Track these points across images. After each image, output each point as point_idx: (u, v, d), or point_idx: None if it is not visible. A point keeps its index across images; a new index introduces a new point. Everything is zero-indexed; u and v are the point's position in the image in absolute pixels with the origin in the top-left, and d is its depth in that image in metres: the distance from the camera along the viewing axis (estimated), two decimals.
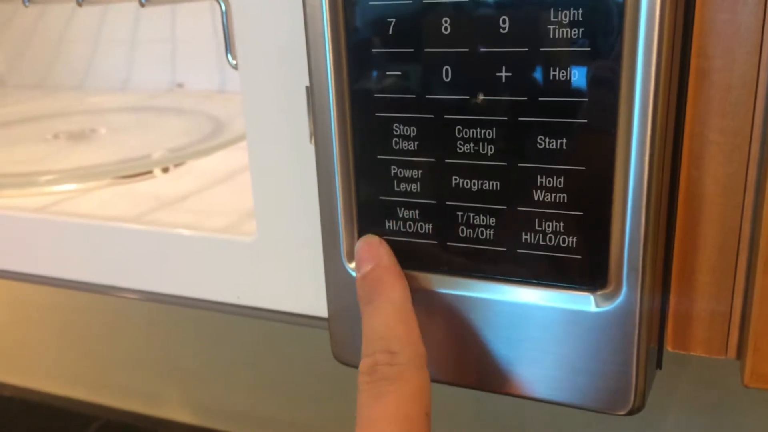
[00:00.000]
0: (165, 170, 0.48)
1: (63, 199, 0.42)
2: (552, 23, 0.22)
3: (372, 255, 0.27)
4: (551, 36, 0.22)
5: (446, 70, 0.24)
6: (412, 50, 0.24)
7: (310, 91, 0.27)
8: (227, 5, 0.35)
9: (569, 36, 0.22)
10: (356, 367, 0.29)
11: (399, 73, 0.24)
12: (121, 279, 0.36)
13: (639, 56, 0.21)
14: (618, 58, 0.22)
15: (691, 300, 0.27)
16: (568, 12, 0.22)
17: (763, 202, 0.25)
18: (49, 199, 0.42)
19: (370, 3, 0.24)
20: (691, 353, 0.28)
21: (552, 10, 0.22)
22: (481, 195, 0.24)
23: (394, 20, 0.24)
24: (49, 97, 0.74)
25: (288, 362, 0.73)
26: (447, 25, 0.23)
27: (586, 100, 0.22)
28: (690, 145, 0.25)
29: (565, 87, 0.22)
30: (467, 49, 0.23)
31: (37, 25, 0.80)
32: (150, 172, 0.47)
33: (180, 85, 0.73)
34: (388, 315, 0.25)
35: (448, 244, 0.25)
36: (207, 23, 0.70)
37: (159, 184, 0.45)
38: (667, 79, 0.22)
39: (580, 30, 0.22)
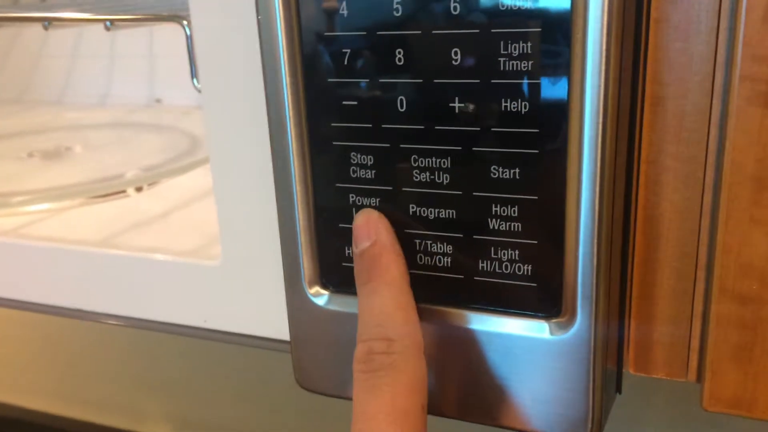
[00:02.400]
0: (138, 189, 0.48)
1: (34, 220, 0.42)
2: (502, 55, 0.22)
3: (371, 231, 0.25)
4: (502, 68, 0.22)
5: (401, 100, 0.24)
6: (368, 80, 0.24)
7: (268, 118, 0.27)
8: (191, 29, 0.36)
9: (519, 68, 0.22)
10: (321, 394, 0.29)
11: (355, 102, 0.24)
12: (88, 302, 0.36)
13: (587, 86, 0.22)
14: (566, 87, 0.22)
15: (650, 324, 0.27)
16: (517, 45, 0.22)
17: (718, 227, 0.25)
18: (21, 219, 0.42)
19: (326, 34, 0.24)
20: (653, 376, 0.28)
21: (502, 42, 0.22)
22: (438, 223, 0.25)
23: (349, 51, 0.24)
24: (26, 112, 0.73)
25: (269, 375, 0.73)
26: (401, 56, 0.23)
27: (537, 130, 0.22)
28: (646, 170, 0.26)
29: (516, 117, 0.22)
30: (421, 80, 0.23)
31: (15, 40, 0.80)
32: (123, 191, 0.47)
33: (158, 101, 0.73)
34: (386, 298, 0.25)
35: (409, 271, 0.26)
36: (185, 39, 0.70)
37: (131, 205, 0.45)
38: (615, 108, 0.22)
39: (530, 62, 0.22)
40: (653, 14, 0.24)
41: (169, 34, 0.70)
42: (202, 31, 0.30)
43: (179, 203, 0.43)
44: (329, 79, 0.25)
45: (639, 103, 0.25)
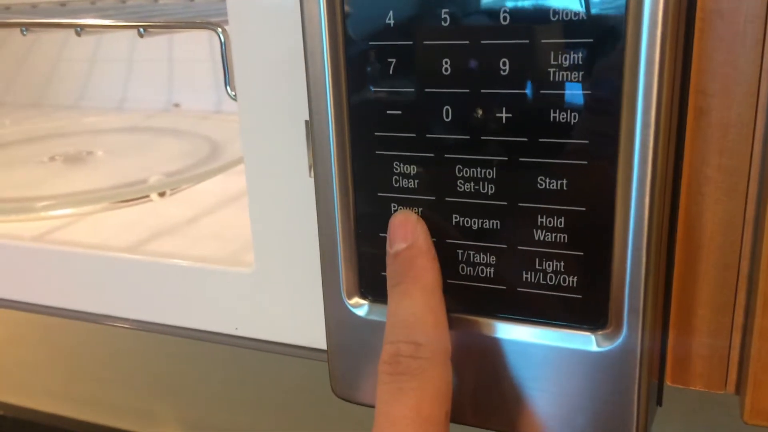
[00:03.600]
0: (162, 194, 0.48)
1: (60, 224, 0.42)
2: (552, 66, 0.22)
3: (408, 233, 0.25)
4: (551, 78, 0.22)
5: (446, 110, 0.24)
6: (413, 90, 0.24)
7: (310, 126, 0.27)
8: (226, 37, 0.36)
9: (569, 78, 0.22)
10: (357, 403, 0.29)
11: (399, 112, 0.24)
12: (118, 309, 0.36)
13: (639, 97, 0.22)
14: (618, 99, 0.22)
15: (690, 335, 0.27)
16: (568, 55, 0.22)
17: (761, 239, 0.25)
18: (46, 224, 0.42)
19: (371, 43, 0.24)
20: (691, 387, 0.28)
21: (552, 52, 0.22)
22: (482, 234, 0.25)
23: (394, 60, 0.24)
24: (45, 116, 0.74)
25: (282, 382, 0.73)
26: (447, 66, 0.23)
27: (586, 141, 0.22)
28: (689, 182, 0.26)
29: (566, 128, 0.22)
30: (468, 90, 0.23)
31: (34, 44, 0.80)
32: (147, 196, 0.47)
33: (176, 105, 0.73)
34: (417, 301, 0.24)
35: (449, 281, 0.25)
36: (203, 44, 0.70)
37: (156, 210, 0.45)
38: (668, 119, 0.22)
39: (580, 73, 0.22)
40: (698, 25, 0.24)
41: (188, 39, 0.70)
42: (240, 38, 0.30)
43: (205, 209, 0.43)
44: (373, 88, 0.25)
45: (685, 113, 0.25)
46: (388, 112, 0.25)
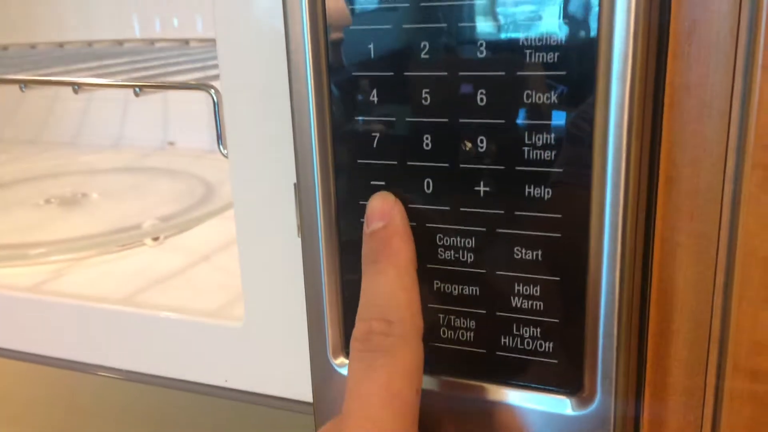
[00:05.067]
0: (155, 239, 0.49)
1: (54, 270, 0.43)
2: (527, 145, 0.23)
3: (385, 212, 0.25)
4: (526, 156, 0.23)
5: (428, 182, 0.25)
6: (396, 163, 0.25)
7: (297, 189, 0.28)
8: (218, 97, 0.37)
9: (542, 158, 0.23)
10: None
11: (383, 183, 0.26)
12: (108, 359, 0.37)
13: (608, 174, 0.23)
14: (588, 175, 0.23)
15: (664, 396, 0.28)
16: (540, 135, 0.23)
17: (731, 303, 0.26)
18: (41, 270, 0.42)
19: (357, 118, 0.25)
20: None
21: (526, 133, 0.23)
22: (462, 299, 0.26)
23: (378, 135, 0.25)
24: (42, 154, 0.75)
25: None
26: (428, 141, 0.24)
27: (560, 215, 0.23)
28: (661, 246, 0.27)
29: (540, 202, 0.23)
30: (447, 165, 0.24)
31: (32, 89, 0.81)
32: (141, 241, 0.48)
33: (171, 144, 0.75)
34: (391, 280, 0.25)
35: (430, 344, 0.26)
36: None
37: (149, 256, 0.46)
38: (636, 195, 0.23)
39: (552, 152, 0.23)
40: (667, 99, 0.25)
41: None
42: (232, 101, 0.31)
43: (197, 257, 0.44)
44: (359, 160, 0.26)
45: (655, 182, 0.26)
46: (372, 182, 0.26)
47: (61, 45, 0.74)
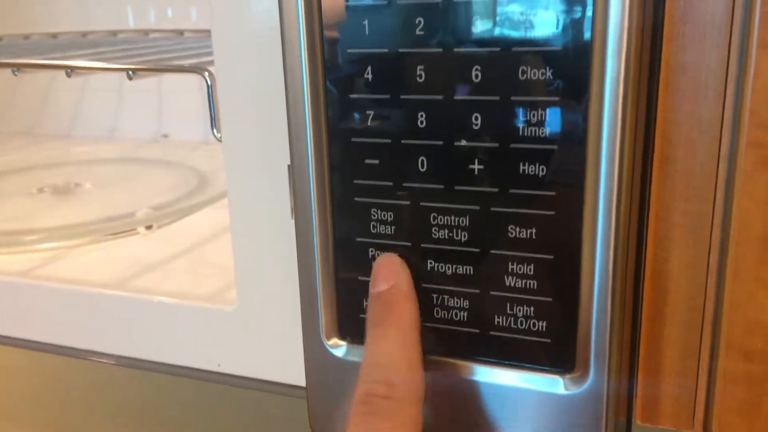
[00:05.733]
0: (148, 227, 0.49)
1: (47, 257, 0.42)
2: (521, 122, 0.23)
3: (391, 275, 0.26)
4: (521, 134, 0.23)
5: (422, 160, 0.25)
6: (390, 141, 0.25)
7: (291, 171, 0.28)
8: (213, 80, 0.37)
9: (537, 134, 0.23)
10: None
11: (377, 161, 0.25)
12: (102, 344, 0.36)
13: (603, 152, 0.23)
14: (583, 153, 0.23)
15: (658, 376, 0.28)
16: (535, 112, 0.23)
17: (724, 283, 0.26)
18: (34, 257, 0.42)
19: (351, 96, 0.25)
20: (659, 426, 0.29)
21: (521, 109, 0.23)
22: (455, 279, 0.25)
23: (372, 112, 0.25)
24: (36, 145, 0.74)
25: (263, 417, 0.73)
26: (422, 119, 0.24)
27: (554, 193, 0.23)
28: (655, 227, 0.27)
29: (534, 180, 0.23)
30: (441, 142, 0.24)
31: (25, 74, 0.81)
32: (134, 230, 0.48)
33: (165, 136, 0.74)
34: (394, 343, 0.25)
35: (424, 324, 0.26)
36: (193, 75, 0.71)
37: (142, 244, 0.46)
38: (630, 173, 0.23)
39: (548, 129, 0.23)
40: (662, 79, 0.25)
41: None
42: (226, 82, 0.31)
43: (190, 244, 0.44)
44: (353, 139, 0.26)
45: (650, 161, 0.26)
46: (366, 161, 0.26)
47: (54, 36, 0.73)
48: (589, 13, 0.22)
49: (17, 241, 0.44)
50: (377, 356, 0.25)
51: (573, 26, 0.22)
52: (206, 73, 0.37)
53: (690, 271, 0.27)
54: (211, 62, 0.40)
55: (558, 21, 0.22)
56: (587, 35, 0.22)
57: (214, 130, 0.34)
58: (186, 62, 0.43)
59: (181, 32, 0.67)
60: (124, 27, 0.71)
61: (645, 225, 0.26)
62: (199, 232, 0.47)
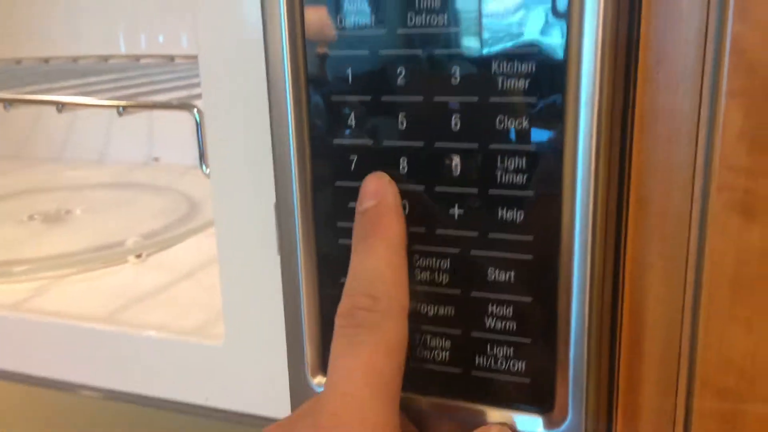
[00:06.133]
0: (138, 256, 0.49)
1: (37, 288, 0.43)
2: (499, 169, 0.24)
3: (378, 191, 0.25)
4: (498, 181, 0.24)
5: (404, 204, 0.25)
6: None
7: (277, 210, 0.29)
8: (201, 117, 0.37)
9: (514, 181, 0.24)
10: None
11: None
12: (90, 378, 0.37)
13: (578, 199, 0.23)
14: (559, 199, 0.24)
15: (636, 414, 0.28)
16: (513, 160, 0.24)
17: (698, 323, 0.27)
18: (24, 287, 0.43)
19: (335, 141, 0.26)
20: None
21: (499, 157, 0.24)
22: (437, 320, 0.26)
23: (356, 157, 0.26)
24: (27, 169, 0.75)
25: None
26: (404, 164, 0.25)
27: (531, 238, 0.24)
28: (631, 267, 0.27)
29: (512, 226, 0.24)
30: (422, 188, 0.25)
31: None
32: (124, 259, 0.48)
33: (156, 159, 0.75)
34: (379, 256, 0.25)
35: (407, 364, 0.27)
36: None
37: (132, 273, 0.46)
38: (604, 216, 0.24)
39: (524, 176, 0.24)
40: (637, 124, 0.26)
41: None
42: (214, 120, 0.31)
43: (179, 274, 0.45)
44: (337, 183, 0.26)
45: (625, 203, 0.27)
46: (350, 204, 0.26)
47: (46, 60, 0.74)
48: (562, 57, 0.23)
49: (8, 272, 0.44)
50: (362, 270, 0.25)
51: (545, 87, 0.23)
52: (195, 110, 0.37)
53: (666, 310, 0.27)
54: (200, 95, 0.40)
55: (527, 85, 0.23)
56: (559, 101, 0.23)
57: (203, 166, 0.34)
58: (177, 93, 0.43)
59: (171, 58, 0.68)
60: (116, 52, 0.72)
61: (621, 266, 0.27)
62: (188, 262, 0.47)
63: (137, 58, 0.70)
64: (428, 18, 0.24)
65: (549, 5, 0.22)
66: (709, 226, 0.26)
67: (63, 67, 0.67)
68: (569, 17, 0.22)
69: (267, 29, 0.26)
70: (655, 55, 0.26)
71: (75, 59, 0.73)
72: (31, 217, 0.57)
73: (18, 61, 0.75)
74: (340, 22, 0.25)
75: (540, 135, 0.23)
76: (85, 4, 0.71)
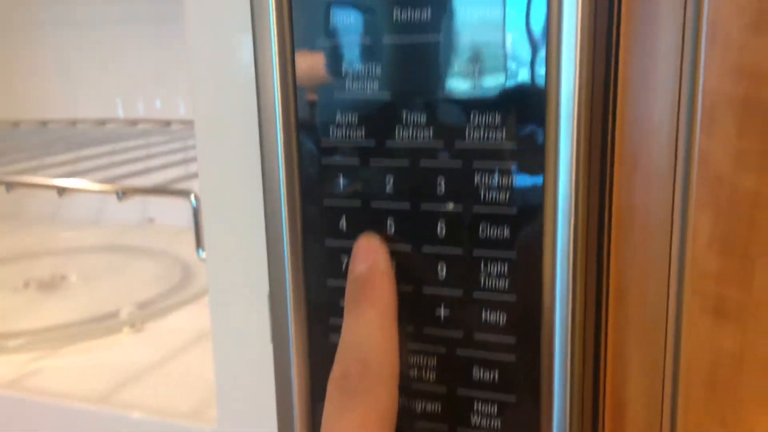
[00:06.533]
0: (133, 326, 0.50)
1: (31, 358, 0.43)
2: (482, 273, 0.25)
3: (369, 255, 0.26)
4: (482, 285, 0.25)
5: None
6: None
7: (270, 299, 0.30)
8: (198, 202, 0.38)
9: (496, 287, 0.25)
10: None
11: None
12: None
13: (557, 298, 0.25)
14: (539, 302, 0.25)
15: None
16: (495, 265, 0.25)
17: (676, 416, 0.28)
18: (17, 359, 0.43)
19: (327, 244, 0.27)
20: None
21: (482, 262, 0.25)
22: (424, 416, 0.27)
23: (347, 258, 0.27)
24: (22, 230, 0.75)
25: None
26: (393, 263, 0.26)
27: (514, 340, 0.25)
28: (613, 360, 0.28)
29: (495, 329, 0.25)
30: (410, 289, 0.26)
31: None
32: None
33: (151, 220, 0.76)
34: (371, 322, 0.25)
35: None
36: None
37: (126, 347, 0.46)
38: (582, 325, 0.25)
39: (507, 281, 0.25)
40: (614, 221, 0.28)
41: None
42: (210, 207, 0.32)
43: (175, 348, 0.45)
44: (329, 283, 0.27)
45: (604, 297, 0.28)
46: (341, 304, 0.27)
47: (44, 123, 0.75)
48: (539, 181, 0.24)
49: (4, 347, 0.45)
50: (353, 335, 0.25)
51: (526, 194, 0.24)
52: (192, 196, 0.39)
53: (646, 402, 0.28)
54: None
55: (510, 192, 0.24)
56: (539, 202, 0.24)
57: (199, 250, 0.35)
58: (174, 171, 0.45)
59: (168, 123, 0.70)
60: (113, 116, 0.73)
61: (603, 356, 0.28)
62: (183, 332, 0.48)
63: (134, 122, 0.72)
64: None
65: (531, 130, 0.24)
66: (684, 327, 0.27)
67: (61, 134, 0.68)
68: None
69: (261, 111, 0.28)
70: (632, 159, 0.27)
71: (73, 122, 0.74)
72: (26, 284, 0.58)
73: (16, 123, 0.76)
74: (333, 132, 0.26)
75: (519, 243, 0.24)
76: (84, 69, 0.73)
